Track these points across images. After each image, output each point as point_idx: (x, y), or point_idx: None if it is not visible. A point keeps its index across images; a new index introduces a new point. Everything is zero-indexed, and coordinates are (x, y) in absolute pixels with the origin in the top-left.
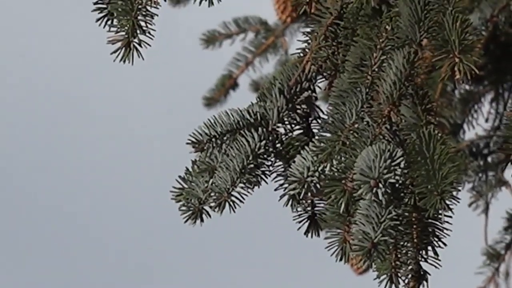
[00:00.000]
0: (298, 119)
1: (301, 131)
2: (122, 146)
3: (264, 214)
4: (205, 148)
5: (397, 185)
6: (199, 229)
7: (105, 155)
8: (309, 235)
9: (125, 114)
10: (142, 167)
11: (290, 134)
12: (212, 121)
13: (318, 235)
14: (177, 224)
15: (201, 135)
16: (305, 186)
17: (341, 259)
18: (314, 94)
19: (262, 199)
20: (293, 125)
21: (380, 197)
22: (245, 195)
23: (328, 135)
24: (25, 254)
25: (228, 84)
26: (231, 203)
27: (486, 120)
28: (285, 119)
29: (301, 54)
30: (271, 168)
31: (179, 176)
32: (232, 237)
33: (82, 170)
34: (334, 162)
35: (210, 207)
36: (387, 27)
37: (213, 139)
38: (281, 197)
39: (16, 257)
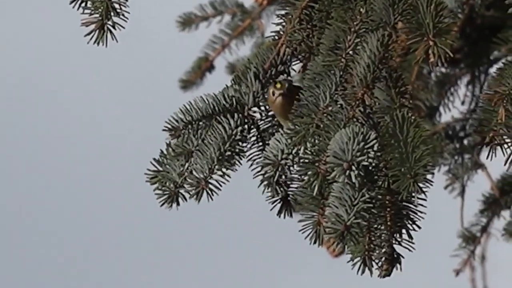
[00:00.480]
0: None
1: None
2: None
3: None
4: (181, 134)
5: (370, 167)
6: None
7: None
8: (282, 216)
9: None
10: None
11: (265, 118)
12: (188, 106)
13: (291, 216)
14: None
15: (177, 121)
16: (279, 169)
17: (315, 242)
18: (289, 77)
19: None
20: (268, 109)
21: (353, 180)
22: (223, 182)
23: (302, 118)
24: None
25: (204, 66)
26: (209, 191)
27: (462, 103)
28: (261, 103)
29: (276, 37)
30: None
31: (154, 159)
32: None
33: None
34: (308, 145)
35: (189, 194)
36: (361, 9)
37: (189, 125)
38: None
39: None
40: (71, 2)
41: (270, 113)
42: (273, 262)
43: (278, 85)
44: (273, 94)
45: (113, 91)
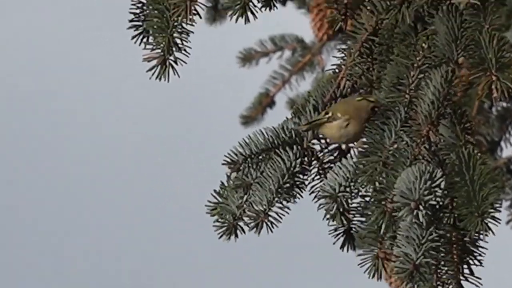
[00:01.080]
0: None
1: (336, 146)
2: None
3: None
4: (240, 168)
5: (437, 206)
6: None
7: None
8: (345, 249)
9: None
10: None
11: (325, 150)
12: (247, 140)
13: (354, 249)
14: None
15: (236, 155)
16: (337, 202)
17: (373, 276)
18: None
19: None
20: (328, 141)
21: (421, 219)
22: (282, 214)
23: (369, 156)
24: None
25: (265, 102)
26: (268, 223)
27: None
28: (320, 136)
29: (336, 70)
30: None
31: (214, 191)
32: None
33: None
34: (374, 181)
35: (248, 226)
36: (423, 45)
37: (248, 159)
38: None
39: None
40: (133, 38)
41: (330, 147)
42: None
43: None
44: (373, 110)
45: (175, 129)
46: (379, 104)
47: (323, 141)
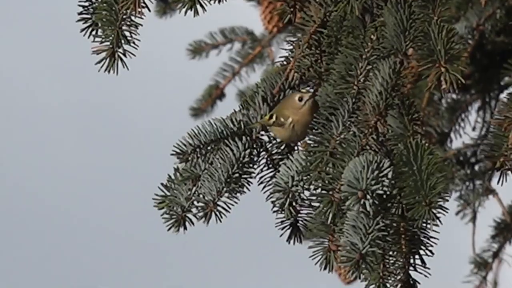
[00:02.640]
0: None
1: None
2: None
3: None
4: (189, 158)
5: (384, 196)
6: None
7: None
8: (291, 241)
9: (111, 123)
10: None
11: (273, 141)
12: (196, 131)
13: (301, 242)
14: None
15: (185, 145)
16: (290, 195)
17: (325, 268)
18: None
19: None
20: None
21: (368, 208)
22: (231, 204)
23: (317, 146)
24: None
25: (215, 94)
26: (217, 213)
27: (473, 129)
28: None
29: (285, 62)
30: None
31: (162, 184)
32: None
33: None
34: (321, 174)
35: (196, 217)
36: (372, 36)
37: (197, 149)
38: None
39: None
40: (82, 31)
41: (278, 139)
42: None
43: (305, 91)
44: (300, 100)
45: (125, 121)
46: (305, 93)
47: (271, 133)
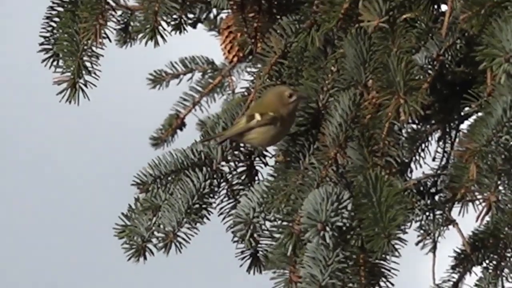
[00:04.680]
0: (241, 157)
1: (245, 168)
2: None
3: None
4: (150, 188)
5: (344, 227)
6: None
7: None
8: (251, 272)
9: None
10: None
11: (234, 172)
12: (157, 161)
13: (260, 272)
14: None
15: (145, 176)
16: (251, 227)
17: None
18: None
19: None
20: (237, 163)
21: (328, 240)
22: (191, 235)
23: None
24: None
25: (175, 124)
26: (177, 243)
27: (434, 159)
28: (229, 157)
29: (246, 93)
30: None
31: (122, 213)
32: None
33: None
34: (282, 205)
35: (156, 247)
36: (332, 68)
37: (158, 180)
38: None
39: None
40: (43, 61)
41: (239, 169)
42: None
43: (293, 88)
44: (290, 96)
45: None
46: (294, 90)
47: (232, 163)
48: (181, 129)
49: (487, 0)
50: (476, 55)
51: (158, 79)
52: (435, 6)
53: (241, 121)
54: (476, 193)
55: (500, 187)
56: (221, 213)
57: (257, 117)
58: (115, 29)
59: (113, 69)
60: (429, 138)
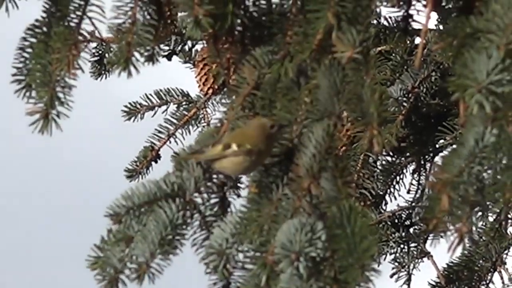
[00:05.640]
0: (214, 188)
1: (217, 200)
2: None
3: None
4: (122, 220)
5: (317, 258)
6: None
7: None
8: None
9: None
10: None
11: (207, 203)
12: (129, 192)
13: None
14: None
15: (118, 207)
16: (224, 258)
17: None
18: None
19: None
20: (210, 195)
21: (301, 271)
22: (164, 266)
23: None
24: None
25: (150, 156)
26: (150, 275)
27: (408, 191)
28: (202, 188)
29: (219, 124)
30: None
31: (95, 245)
32: None
33: None
34: (255, 235)
35: (129, 278)
36: (306, 99)
37: (131, 211)
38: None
39: None
40: (16, 92)
41: (212, 201)
42: None
43: (269, 119)
44: (272, 127)
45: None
46: (276, 121)
47: (205, 195)
48: (156, 161)
49: (460, 31)
50: (449, 86)
51: (133, 111)
52: (410, 39)
53: (217, 147)
54: (448, 224)
55: (473, 219)
56: (194, 244)
57: (234, 147)
58: (89, 61)
59: (87, 101)
60: (404, 171)
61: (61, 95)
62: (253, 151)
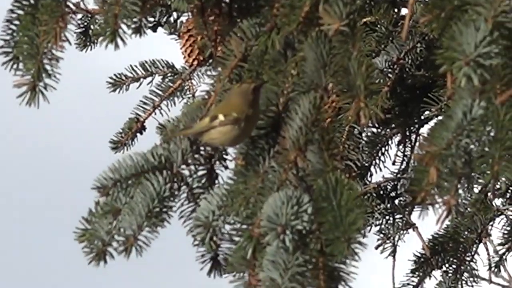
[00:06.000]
0: (202, 160)
1: (205, 172)
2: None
3: None
4: (110, 192)
5: (304, 231)
6: None
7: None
8: (212, 275)
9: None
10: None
11: (194, 176)
12: (117, 165)
13: (221, 275)
14: None
15: (105, 179)
16: (211, 230)
17: None
18: None
19: None
20: (197, 167)
21: (287, 244)
22: (151, 238)
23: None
24: None
25: (135, 127)
26: (137, 247)
27: (394, 163)
28: (189, 161)
29: (206, 96)
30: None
31: (82, 217)
32: None
33: None
34: (241, 208)
35: (116, 251)
36: (292, 71)
37: (118, 183)
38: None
39: None
40: (3, 64)
41: (199, 173)
42: None
43: (251, 81)
44: (254, 91)
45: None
46: (258, 83)
47: (192, 167)
48: (141, 133)
49: (448, 3)
50: (436, 59)
51: (118, 83)
52: (395, 10)
53: (204, 120)
54: (436, 197)
55: (460, 191)
56: (182, 217)
57: (220, 117)
58: (75, 32)
59: (73, 72)
60: (389, 142)
61: (48, 67)
62: (240, 118)
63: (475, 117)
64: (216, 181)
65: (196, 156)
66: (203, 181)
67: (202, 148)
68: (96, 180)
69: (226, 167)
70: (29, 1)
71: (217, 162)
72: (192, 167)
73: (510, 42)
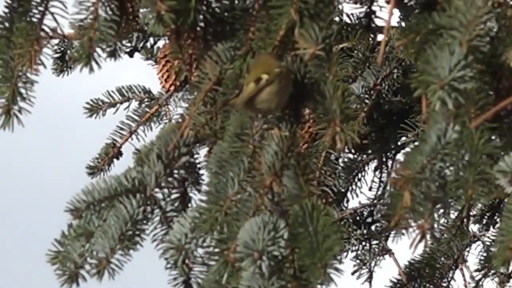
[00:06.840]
0: (175, 184)
1: (178, 195)
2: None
3: None
4: (83, 215)
5: (280, 257)
6: None
7: None
8: None
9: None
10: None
11: (167, 199)
12: (90, 187)
13: None
14: None
15: (79, 202)
16: (183, 253)
17: None
18: (192, 159)
19: None
20: (170, 190)
21: (264, 269)
22: (124, 261)
23: (210, 205)
24: None
25: (112, 152)
26: (110, 270)
27: (370, 189)
28: (163, 184)
29: (180, 120)
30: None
31: (55, 240)
32: None
33: None
34: (215, 233)
35: (89, 274)
36: None
37: (91, 206)
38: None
39: None
40: None
41: (173, 196)
42: None
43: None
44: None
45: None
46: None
47: (165, 190)
48: (117, 158)
49: (423, 27)
50: (411, 83)
51: (95, 108)
52: (372, 36)
53: (249, 86)
54: (410, 221)
55: (435, 216)
56: (155, 240)
57: (264, 76)
58: (52, 58)
59: (50, 97)
60: (366, 168)
61: (23, 90)
62: (282, 72)
63: (449, 141)
64: (189, 204)
65: (170, 179)
66: (176, 204)
67: (176, 171)
68: (69, 202)
69: (200, 191)
70: (4, 24)
71: (191, 185)
72: (166, 190)
73: (485, 66)
